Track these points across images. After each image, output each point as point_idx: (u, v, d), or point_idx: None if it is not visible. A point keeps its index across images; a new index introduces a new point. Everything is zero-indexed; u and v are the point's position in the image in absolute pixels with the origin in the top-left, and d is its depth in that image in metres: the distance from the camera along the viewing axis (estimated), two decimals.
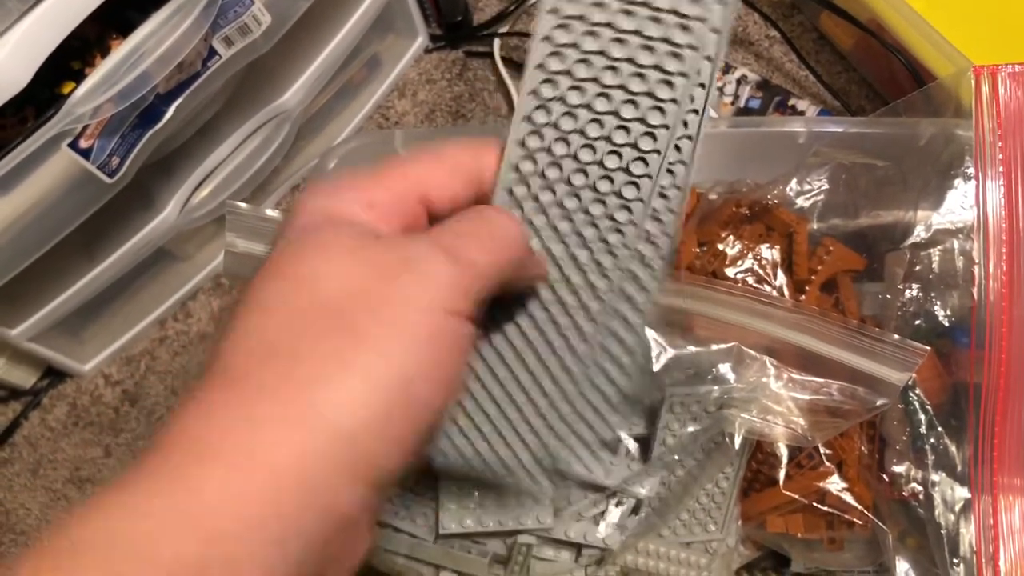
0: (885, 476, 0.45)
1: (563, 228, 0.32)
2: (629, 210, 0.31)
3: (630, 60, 0.30)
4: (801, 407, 0.41)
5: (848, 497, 0.45)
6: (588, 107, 0.30)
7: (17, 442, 0.68)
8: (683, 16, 0.30)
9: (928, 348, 0.39)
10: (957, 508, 0.43)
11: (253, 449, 0.21)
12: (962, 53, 0.55)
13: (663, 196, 0.32)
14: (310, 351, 0.23)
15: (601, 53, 0.30)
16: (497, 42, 0.75)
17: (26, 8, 0.43)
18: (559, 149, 0.31)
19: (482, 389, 0.34)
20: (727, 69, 0.69)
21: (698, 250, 0.48)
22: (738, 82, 0.68)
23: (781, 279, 0.47)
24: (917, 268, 0.45)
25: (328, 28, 0.64)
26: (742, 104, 0.68)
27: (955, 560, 0.43)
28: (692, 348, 0.42)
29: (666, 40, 0.30)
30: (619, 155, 0.31)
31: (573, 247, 0.32)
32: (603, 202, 0.31)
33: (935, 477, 0.44)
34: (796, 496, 0.45)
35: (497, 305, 0.31)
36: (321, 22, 0.62)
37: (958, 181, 0.45)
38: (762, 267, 0.47)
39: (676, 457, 0.46)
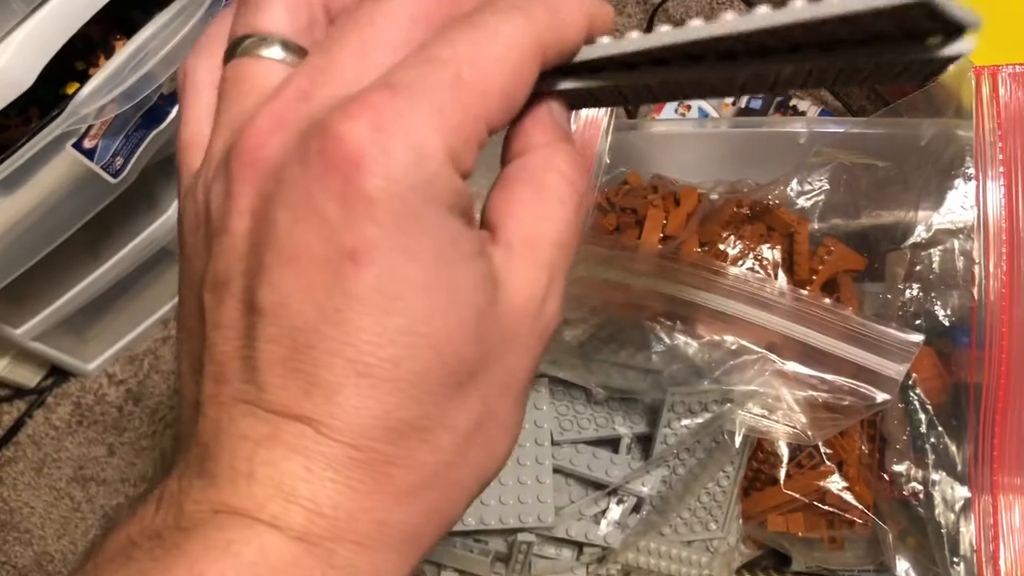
0: (885, 475, 0.45)
1: None
2: None
3: None
4: (801, 403, 0.42)
5: (849, 496, 0.45)
6: None
7: (21, 441, 0.68)
8: None
9: (922, 337, 0.39)
10: (957, 507, 0.43)
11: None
12: None
13: None
14: None
15: None
16: None
17: (31, 9, 0.43)
18: None
19: None
20: None
21: (699, 250, 0.48)
22: None
23: (782, 279, 0.47)
24: (918, 268, 0.45)
25: None
26: (743, 104, 0.69)
27: (955, 559, 0.43)
28: (694, 343, 0.42)
29: None
30: None
31: None
32: None
33: (935, 476, 0.44)
34: (797, 495, 0.45)
35: None
36: None
37: (959, 181, 0.45)
38: (763, 267, 0.47)
39: (677, 455, 0.46)
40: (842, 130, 0.50)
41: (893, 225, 0.48)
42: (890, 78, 0.21)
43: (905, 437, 0.45)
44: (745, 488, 0.47)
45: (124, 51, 0.46)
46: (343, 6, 0.22)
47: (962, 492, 0.43)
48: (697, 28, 0.19)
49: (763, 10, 0.19)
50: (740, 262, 0.47)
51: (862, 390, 0.41)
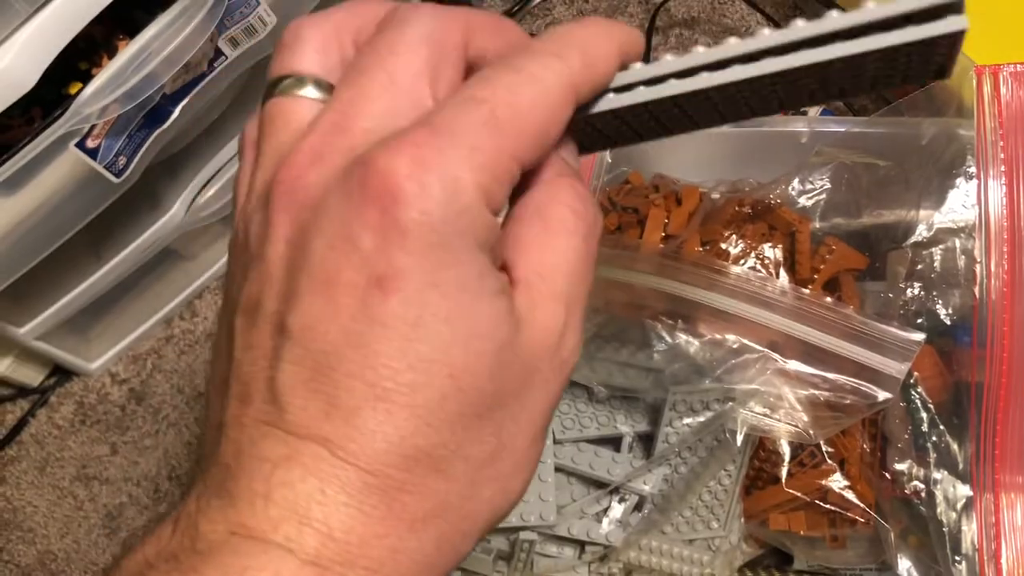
0: (887, 474, 0.45)
1: None
2: None
3: None
4: (802, 402, 0.42)
5: (850, 495, 0.45)
6: None
7: (24, 440, 0.68)
8: None
9: (923, 336, 0.39)
10: (959, 506, 0.43)
11: None
12: (964, 52, 0.55)
13: None
14: None
15: None
16: None
17: (34, 10, 0.43)
18: None
19: None
20: None
21: (701, 249, 0.48)
22: None
23: (783, 278, 0.47)
24: (919, 267, 0.45)
25: None
26: None
27: (957, 558, 0.43)
28: (696, 342, 0.42)
29: None
30: None
31: None
32: None
33: (937, 475, 0.44)
34: (798, 494, 0.45)
35: None
36: None
37: (960, 180, 0.45)
38: (765, 266, 0.48)
39: (679, 453, 0.46)
40: (843, 129, 0.50)
41: (894, 224, 0.48)
42: (895, 81, 0.21)
43: (907, 436, 0.45)
44: (747, 487, 0.48)
45: (127, 51, 0.46)
46: (368, 38, 0.23)
47: (964, 491, 0.43)
48: (736, 71, 0.21)
49: (803, 47, 0.20)
50: (742, 261, 0.47)
51: (864, 389, 0.41)
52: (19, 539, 0.66)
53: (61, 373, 0.70)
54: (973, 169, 0.44)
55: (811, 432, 0.42)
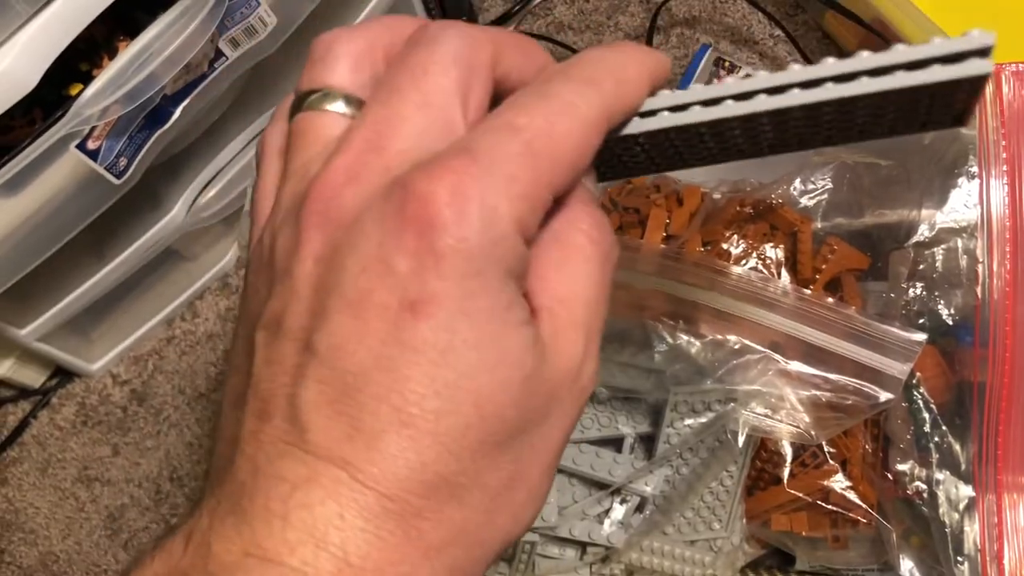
0: (889, 474, 0.45)
1: None
2: None
3: None
4: (804, 402, 0.42)
5: (852, 495, 0.45)
6: None
7: (26, 441, 0.68)
8: None
9: (925, 336, 0.39)
10: (961, 506, 0.43)
11: None
12: None
13: None
14: None
15: None
16: None
17: (34, 11, 0.43)
18: None
19: None
20: (731, 69, 0.69)
21: (702, 249, 0.48)
22: None
23: (785, 278, 0.47)
24: (921, 267, 0.45)
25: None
26: None
27: (959, 558, 0.43)
28: (697, 343, 0.42)
29: None
30: None
31: None
32: None
33: (939, 475, 0.44)
34: (800, 494, 0.45)
35: None
36: (327, 23, 0.62)
37: (962, 180, 0.45)
38: (766, 266, 0.47)
39: (680, 454, 0.46)
40: None
41: (896, 224, 0.48)
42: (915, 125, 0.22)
43: (909, 436, 0.45)
44: (748, 487, 0.47)
45: (128, 52, 0.46)
46: (399, 55, 0.23)
47: (966, 491, 0.43)
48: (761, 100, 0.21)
49: (829, 84, 0.20)
50: (743, 261, 0.47)
51: (865, 389, 0.41)
52: (21, 540, 0.66)
53: (63, 374, 0.70)
54: (975, 169, 0.44)
55: (813, 433, 0.42)
